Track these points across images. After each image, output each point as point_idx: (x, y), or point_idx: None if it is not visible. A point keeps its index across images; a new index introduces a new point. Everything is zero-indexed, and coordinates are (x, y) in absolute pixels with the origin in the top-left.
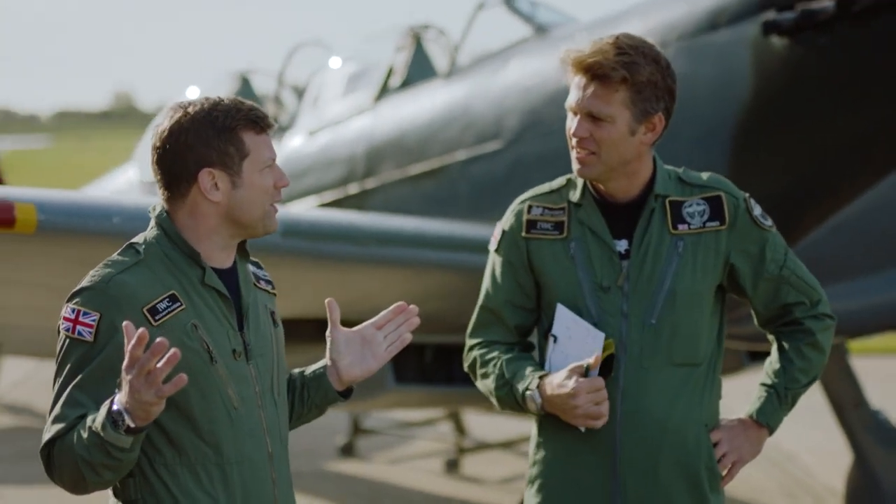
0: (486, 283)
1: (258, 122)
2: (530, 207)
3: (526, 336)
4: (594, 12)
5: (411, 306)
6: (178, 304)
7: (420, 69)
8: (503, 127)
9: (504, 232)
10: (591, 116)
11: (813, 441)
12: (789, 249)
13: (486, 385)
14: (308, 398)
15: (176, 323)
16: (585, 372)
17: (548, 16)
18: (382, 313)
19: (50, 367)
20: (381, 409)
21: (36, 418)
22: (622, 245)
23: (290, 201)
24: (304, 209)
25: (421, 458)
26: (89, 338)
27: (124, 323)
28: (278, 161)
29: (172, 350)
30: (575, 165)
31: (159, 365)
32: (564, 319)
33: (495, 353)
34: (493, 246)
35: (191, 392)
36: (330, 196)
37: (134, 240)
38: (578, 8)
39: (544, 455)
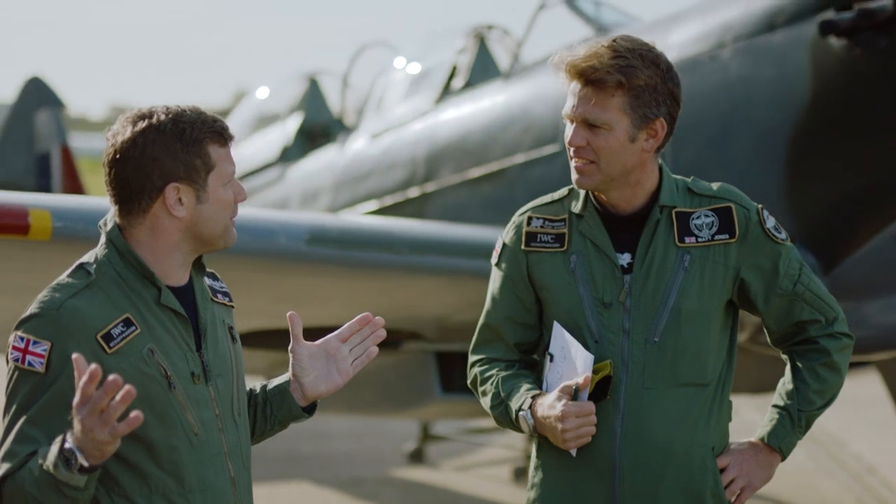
0: (487, 298)
1: (223, 133)
2: (530, 219)
3: (529, 353)
4: (658, 12)
5: (377, 318)
6: (133, 328)
7: (483, 70)
8: (561, 130)
9: (504, 245)
10: (587, 124)
11: (894, 454)
12: (805, 264)
13: (484, 403)
14: (271, 414)
15: (131, 349)
16: (575, 394)
17: (611, 16)
18: (346, 325)
19: None
20: (432, 419)
21: None
22: (625, 259)
23: (353, 205)
24: (333, 216)
25: (489, 465)
26: (40, 368)
27: (74, 356)
28: (343, 163)
29: (127, 387)
30: (573, 175)
31: (113, 403)
32: (560, 338)
33: (494, 371)
34: (493, 260)
35: (149, 420)
36: (390, 200)
37: (84, 259)
38: (643, 8)
39: (542, 478)
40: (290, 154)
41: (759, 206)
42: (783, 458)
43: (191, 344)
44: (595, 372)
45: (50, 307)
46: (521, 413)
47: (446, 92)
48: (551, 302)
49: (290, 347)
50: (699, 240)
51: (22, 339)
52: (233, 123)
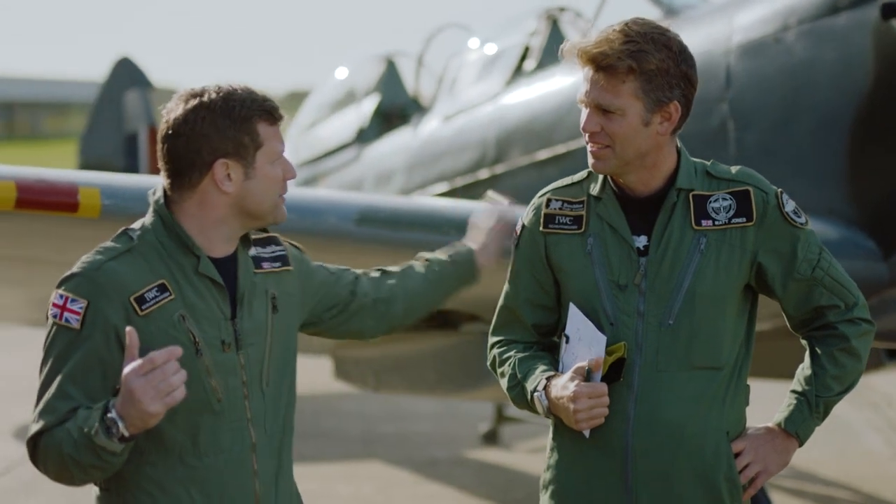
0: (506, 280)
1: (272, 112)
2: (549, 201)
3: (548, 335)
4: None
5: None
6: (167, 294)
7: (555, 52)
8: None
9: (524, 227)
10: (601, 109)
11: None
12: (825, 249)
13: (503, 384)
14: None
15: (162, 314)
16: (588, 375)
17: None
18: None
19: None
20: (493, 400)
21: None
22: (641, 241)
23: (425, 187)
24: (382, 196)
25: None
26: (76, 325)
27: (127, 329)
28: (417, 145)
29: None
30: (590, 160)
31: (173, 378)
32: (576, 319)
33: (512, 352)
34: (513, 241)
35: None
36: (461, 181)
37: (131, 226)
38: None
39: (557, 460)
40: (367, 135)
41: (779, 189)
42: (800, 444)
43: (226, 312)
44: (609, 354)
45: (90, 268)
46: (535, 394)
47: (518, 74)
48: (568, 284)
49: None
50: (716, 223)
51: (61, 296)
52: (312, 104)
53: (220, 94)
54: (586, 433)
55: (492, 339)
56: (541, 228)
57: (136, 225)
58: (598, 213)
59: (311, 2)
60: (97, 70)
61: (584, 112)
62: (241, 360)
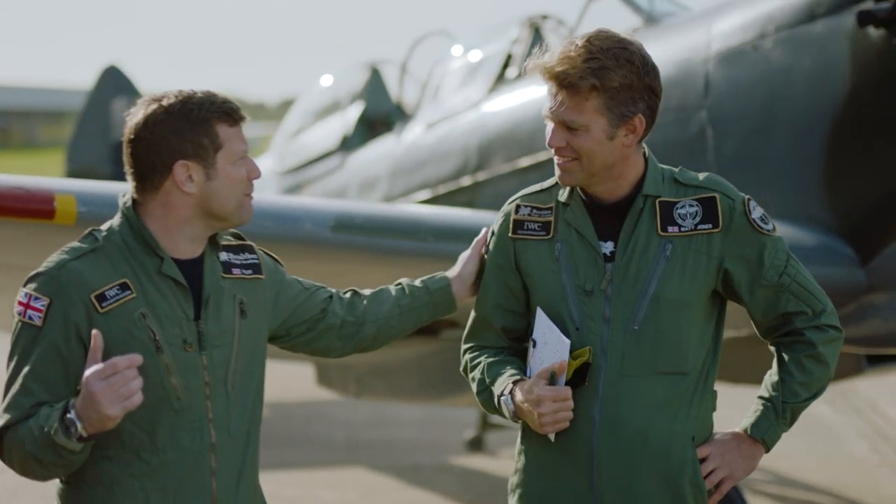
0: (479, 289)
1: (231, 114)
2: (518, 207)
3: (519, 340)
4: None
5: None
6: (129, 292)
7: None
8: None
9: (493, 233)
10: (565, 125)
11: None
12: (793, 256)
13: (473, 389)
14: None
15: (123, 311)
16: (552, 379)
17: (662, 6)
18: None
19: None
20: (473, 407)
21: None
22: (608, 247)
23: (408, 194)
24: (358, 203)
25: None
26: (38, 322)
27: (94, 332)
28: (400, 152)
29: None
30: (557, 172)
31: (133, 384)
32: (542, 324)
33: (482, 358)
34: (483, 249)
35: None
36: (443, 189)
37: (99, 227)
38: None
39: (525, 464)
40: (351, 143)
41: (746, 196)
42: (767, 450)
43: (188, 313)
44: (574, 358)
45: (53, 267)
46: (502, 398)
47: (500, 81)
48: (536, 289)
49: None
50: (682, 229)
51: (26, 294)
52: (297, 111)
53: (179, 98)
54: (551, 437)
55: (464, 346)
56: (510, 234)
57: (104, 226)
58: (565, 219)
59: (299, 11)
60: (91, 79)
61: (549, 127)
62: (205, 360)
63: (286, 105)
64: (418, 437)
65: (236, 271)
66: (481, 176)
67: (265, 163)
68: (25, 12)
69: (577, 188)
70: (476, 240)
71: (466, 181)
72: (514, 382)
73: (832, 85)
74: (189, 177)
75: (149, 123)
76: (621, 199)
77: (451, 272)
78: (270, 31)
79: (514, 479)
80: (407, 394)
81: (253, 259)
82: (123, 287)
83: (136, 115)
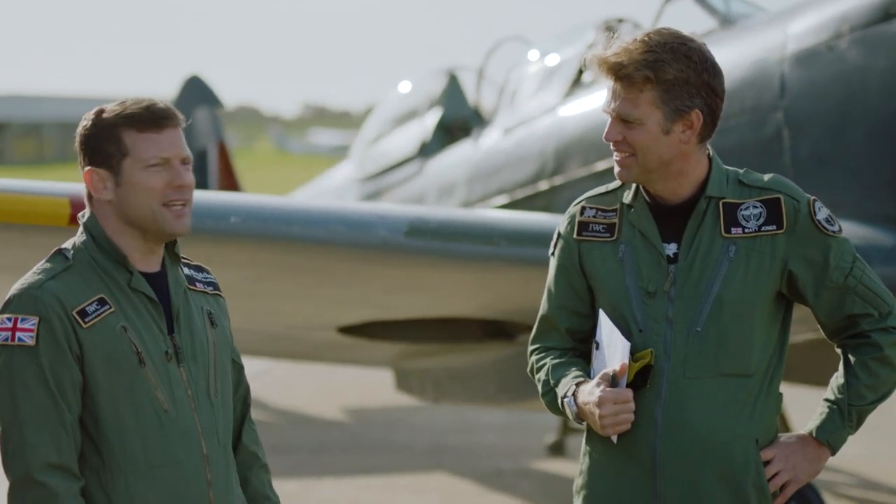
0: (545, 290)
1: (139, 120)
2: (583, 209)
3: (584, 342)
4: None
5: None
6: (107, 306)
7: None
8: None
9: (559, 235)
10: (622, 119)
11: None
12: (859, 257)
13: (539, 390)
14: None
15: (104, 325)
16: (613, 381)
17: (738, 7)
18: None
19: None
20: None
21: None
22: (671, 248)
23: (485, 199)
24: (432, 208)
25: None
26: (31, 342)
27: None
28: (478, 158)
29: None
30: (615, 169)
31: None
32: (605, 326)
33: (547, 359)
34: (550, 250)
35: (119, 395)
36: (521, 193)
37: (63, 245)
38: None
39: (589, 466)
40: (429, 149)
41: (812, 198)
42: (833, 453)
43: (162, 327)
44: (636, 360)
45: (32, 287)
46: (565, 400)
47: (576, 85)
48: (600, 290)
49: None
50: (746, 231)
51: (9, 319)
52: (376, 118)
53: (100, 107)
54: (614, 439)
55: (531, 347)
56: (575, 236)
57: (68, 244)
58: (629, 220)
59: (382, 19)
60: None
61: (608, 121)
62: (183, 373)
63: (371, 112)
64: (500, 441)
65: (199, 285)
66: (558, 180)
67: (346, 170)
68: (107, 22)
69: (642, 190)
70: None
71: (544, 185)
72: (577, 384)
73: None
74: (103, 185)
75: (78, 133)
76: (685, 201)
77: None
78: (355, 40)
79: (578, 481)
80: (485, 398)
81: (212, 279)
82: (102, 302)
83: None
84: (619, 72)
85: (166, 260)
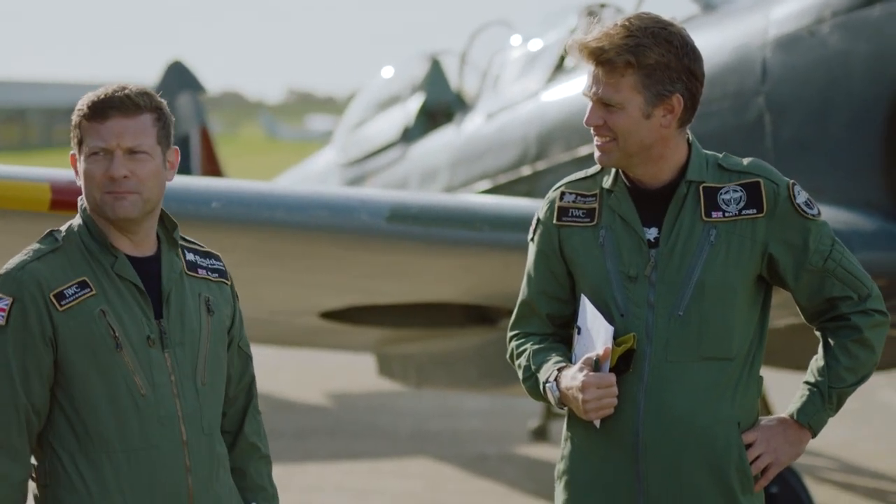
0: (524, 275)
1: (91, 108)
2: (563, 194)
3: (564, 327)
4: None
5: None
6: (88, 290)
7: None
8: None
9: (538, 220)
10: (603, 103)
11: None
12: (838, 240)
13: (519, 376)
14: None
15: (82, 309)
16: (595, 366)
17: None
18: None
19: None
20: None
21: None
22: (652, 233)
23: (468, 185)
24: (413, 193)
25: None
26: (1, 321)
27: None
28: (460, 143)
29: None
30: (595, 153)
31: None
32: (586, 311)
33: (528, 345)
34: (529, 235)
35: (94, 379)
36: (503, 178)
37: (59, 227)
38: None
39: (571, 451)
40: (412, 134)
41: (791, 181)
42: (813, 436)
43: (147, 311)
44: (619, 345)
45: (15, 268)
46: (546, 385)
47: (559, 70)
48: (580, 275)
49: None
50: (726, 215)
51: None
52: (359, 104)
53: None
54: (596, 423)
55: (510, 333)
56: (555, 221)
57: (63, 227)
58: (609, 205)
59: (366, 4)
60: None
61: (589, 106)
62: (168, 358)
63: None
64: (483, 427)
65: (202, 272)
66: (541, 165)
67: (328, 155)
68: (91, 7)
69: (621, 175)
70: None
71: (526, 171)
72: (559, 369)
73: (889, 69)
74: (76, 170)
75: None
76: (665, 185)
77: None
78: (341, 25)
79: (560, 466)
80: (467, 383)
81: (220, 265)
82: (82, 285)
83: None
84: (601, 56)
85: (163, 244)
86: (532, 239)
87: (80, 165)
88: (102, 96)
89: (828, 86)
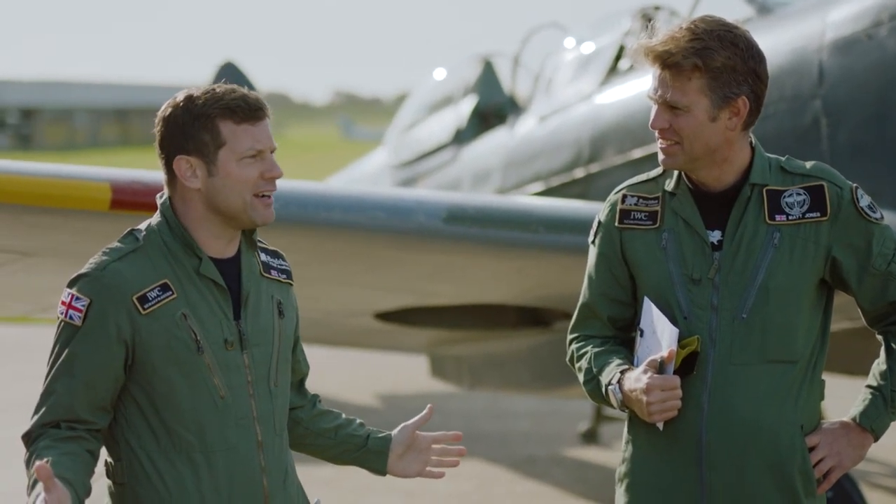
0: (585, 277)
1: (237, 111)
2: (625, 197)
3: (625, 330)
4: None
5: (461, 447)
6: (170, 293)
7: None
8: None
9: (600, 223)
10: (668, 106)
11: None
12: None
13: (580, 379)
14: (353, 456)
15: (165, 312)
16: (660, 368)
17: None
18: (442, 434)
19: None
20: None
21: None
22: (715, 236)
23: (520, 187)
24: (470, 194)
25: None
26: (78, 322)
27: (37, 465)
28: (513, 145)
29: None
30: (659, 156)
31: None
32: (650, 313)
33: (588, 348)
34: (590, 238)
35: (176, 381)
36: (556, 181)
37: (138, 226)
38: None
39: (633, 453)
40: (464, 136)
41: (854, 185)
42: (876, 439)
43: (227, 312)
44: (683, 347)
45: (96, 268)
46: (609, 387)
47: (612, 73)
48: (642, 278)
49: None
50: (790, 218)
51: (69, 295)
52: (411, 105)
53: (189, 93)
54: (660, 426)
55: (570, 336)
56: (616, 224)
57: (143, 225)
58: (672, 208)
59: (413, 6)
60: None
61: (654, 109)
62: (246, 359)
63: (401, 100)
64: (533, 429)
65: (274, 273)
66: (594, 168)
67: (380, 156)
68: (139, 7)
69: (684, 177)
70: (419, 416)
71: (579, 173)
72: (622, 372)
73: None
74: (193, 172)
75: (163, 119)
76: (728, 188)
77: (400, 447)
78: (386, 27)
79: (621, 469)
80: (520, 385)
81: (286, 266)
82: (164, 288)
83: (160, 114)
84: (668, 60)
85: (242, 245)
86: (593, 241)
87: (224, 167)
88: (244, 98)
89: (885, 89)
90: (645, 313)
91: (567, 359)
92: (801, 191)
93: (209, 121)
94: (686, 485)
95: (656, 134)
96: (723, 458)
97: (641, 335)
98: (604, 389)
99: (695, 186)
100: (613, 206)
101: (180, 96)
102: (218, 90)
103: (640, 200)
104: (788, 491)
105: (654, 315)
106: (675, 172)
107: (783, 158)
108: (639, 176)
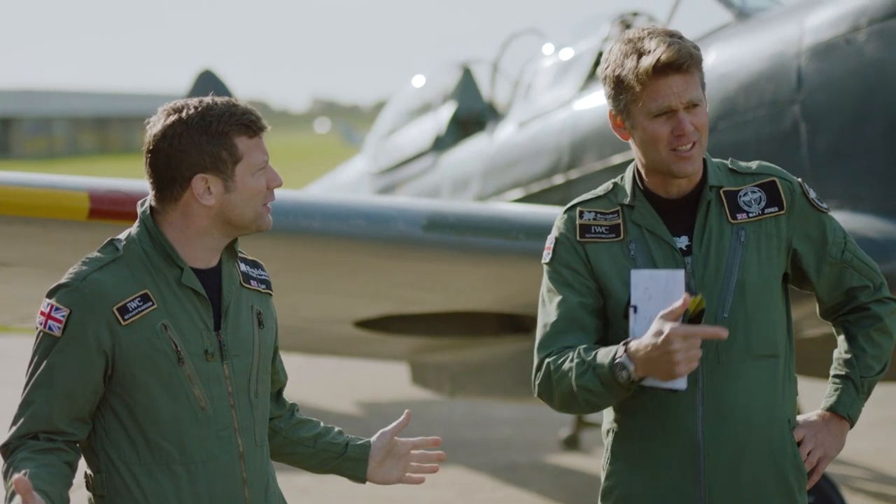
0: (545, 301)
1: (251, 126)
2: (581, 213)
3: (602, 343)
4: None
5: (439, 452)
6: (150, 303)
7: None
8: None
9: (557, 240)
10: (688, 107)
11: None
12: (846, 232)
13: (565, 385)
14: (332, 464)
15: (145, 323)
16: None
17: (754, 1)
18: (422, 439)
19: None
20: None
21: None
22: (682, 241)
23: (500, 193)
24: (453, 202)
25: None
26: (57, 332)
27: (15, 477)
28: (492, 151)
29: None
30: (680, 167)
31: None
32: (641, 281)
33: (570, 353)
34: (546, 259)
35: (156, 392)
36: (536, 187)
37: (118, 236)
38: None
39: (619, 466)
40: (443, 143)
41: (799, 179)
42: (852, 426)
43: (208, 323)
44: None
45: (76, 278)
46: (617, 361)
47: (591, 79)
48: (614, 291)
49: (384, 434)
50: (750, 215)
51: (48, 305)
52: (390, 112)
53: (198, 110)
54: (683, 383)
55: (540, 355)
56: (578, 238)
57: (123, 235)
58: (633, 220)
59: (391, 12)
60: (179, 82)
61: (670, 119)
62: (227, 370)
63: (380, 107)
64: (514, 436)
65: (254, 283)
66: (574, 174)
67: (358, 164)
68: (115, 14)
69: (640, 188)
70: (397, 422)
71: (559, 179)
72: (625, 343)
73: None
74: (208, 189)
75: (167, 135)
76: (684, 195)
77: (379, 453)
78: (363, 34)
79: (608, 483)
80: (501, 392)
81: (266, 276)
82: (144, 298)
83: (155, 126)
84: (682, 64)
85: (223, 256)
86: (552, 261)
87: (241, 181)
88: (247, 112)
89: (864, 94)
90: (635, 286)
91: (538, 384)
92: (755, 188)
93: (226, 138)
94: (683, 488)
95: (678, 143)
96: (721, 459)
97: (635, 311)
98: (607, 368)
99: (651, 195)
100: (570, 221)
101: (185, 114)
102: (220, 104)
103: (598, 215)
104: (784, 486)
105: (646, 278)
106: (628, 185)
107: (727, 161)
108: (585, 194)
